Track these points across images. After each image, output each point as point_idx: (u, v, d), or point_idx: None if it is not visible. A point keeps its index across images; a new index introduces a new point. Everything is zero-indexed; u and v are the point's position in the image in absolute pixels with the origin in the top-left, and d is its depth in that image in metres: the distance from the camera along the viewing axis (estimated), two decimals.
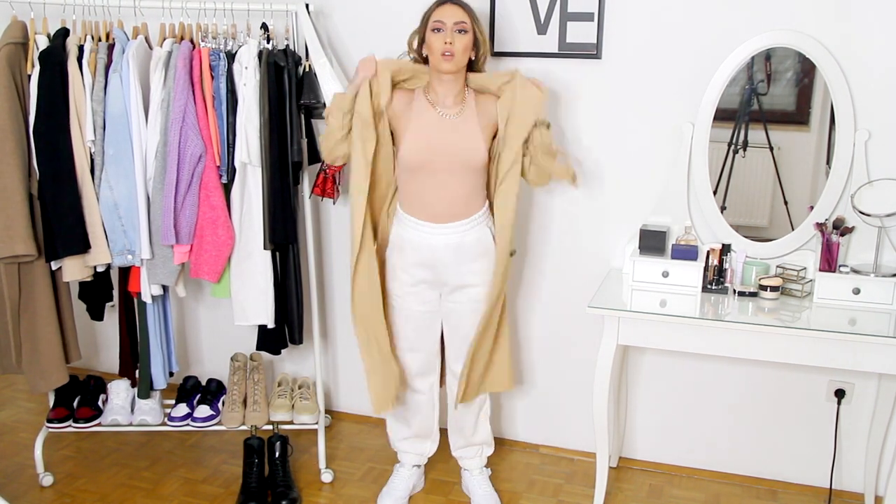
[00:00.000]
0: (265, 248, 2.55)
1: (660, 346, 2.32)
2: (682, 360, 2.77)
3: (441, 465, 2.87)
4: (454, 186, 2.29)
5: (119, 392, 2.81)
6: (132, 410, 2.81)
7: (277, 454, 2.69)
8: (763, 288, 2.41)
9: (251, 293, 2.60)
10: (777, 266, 2.51)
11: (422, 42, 2.29)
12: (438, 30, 2.21)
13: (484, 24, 2.63)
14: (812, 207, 2.47)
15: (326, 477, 2.77)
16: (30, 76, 2.40)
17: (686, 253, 2.48)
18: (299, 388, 2.94)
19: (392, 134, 2.34)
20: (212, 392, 2.88)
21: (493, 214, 2.37)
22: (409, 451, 2.68)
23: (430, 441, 2.68)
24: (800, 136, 2.48)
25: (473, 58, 2.30)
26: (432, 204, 2.30)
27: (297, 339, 2.73)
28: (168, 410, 2.84)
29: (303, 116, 2.59)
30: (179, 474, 2.81)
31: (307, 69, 2.55)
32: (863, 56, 2.36)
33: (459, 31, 2.21)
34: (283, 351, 2.78)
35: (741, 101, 2.49)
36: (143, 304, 2.63)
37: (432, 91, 2.31)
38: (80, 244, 2.43)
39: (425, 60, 2.31)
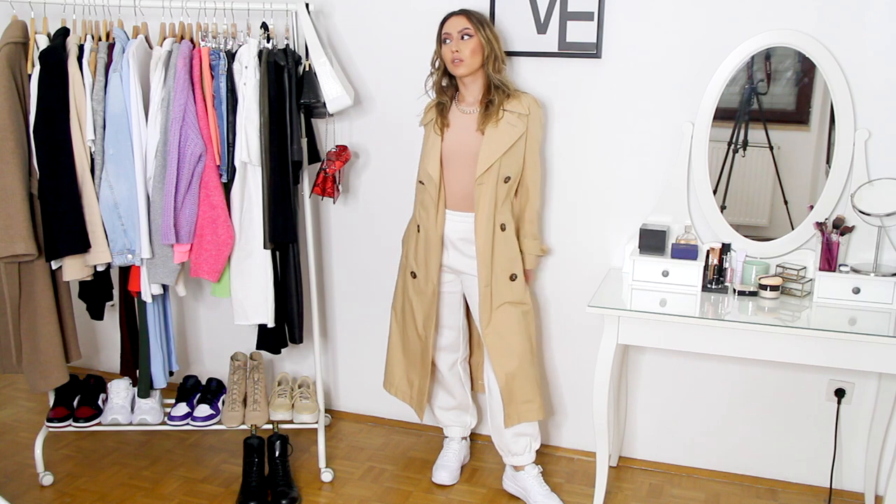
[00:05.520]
0: (265, 248, 2.55)
1: (660, 345, 2.32)
2: (682, 359, 2.77)
3: None
4: (470, 176, 2.46)
5: (119, 391, 2.81)
6: (132, 410, 2.81)
7: (277, 453, 2.69)
8: (763, 287, 2.41)
9: (251, 292, 2.60)
10: (777, 265, 2.51)
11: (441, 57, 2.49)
12: (447, 41, 2.43)
13: None
14: (812, 207, 2.47)
15: (326, 476, 2.77)
16: (30, 76, 2.40)
17: (686, 252, 2.48)
18: (299, 387, 2.94)
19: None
20: (212, 391, 2.88)
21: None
22: (454, 424, 2.86)
23: (469, 414, 2.88)
24: (800, 135, 2.48)
25: (484, 59, 2.44)
26: (453, 192, 2.51)
27: (296, 338, 2.73)
28: (168, 410, 2.84)
29: (303, 116, 2.60)
30: (179, 474, 2.82)
31: (307, 68, 2.55)
32: (863, 56, 2.36)
33: (464, 37, 2.40)
34: (282, 350, 2.78)
35: (741, 100, 2.49)
36: (143, 304, 2.64)
37: (459, 93, 2.54)
38: (81, 243, 2.43)
39: (446, 72, 2.49)
